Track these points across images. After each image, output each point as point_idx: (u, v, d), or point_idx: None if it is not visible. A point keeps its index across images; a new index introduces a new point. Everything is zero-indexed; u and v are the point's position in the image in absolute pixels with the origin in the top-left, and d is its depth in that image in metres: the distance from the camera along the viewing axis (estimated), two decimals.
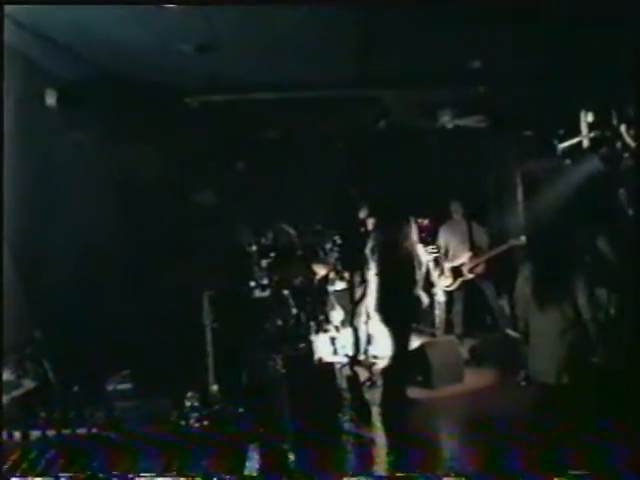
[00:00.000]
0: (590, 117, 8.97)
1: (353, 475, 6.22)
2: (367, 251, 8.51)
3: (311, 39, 7.29)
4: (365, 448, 7.45)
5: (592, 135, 8.84)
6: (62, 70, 7.61)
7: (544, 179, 9.62)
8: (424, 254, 9.50)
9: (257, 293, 9.82)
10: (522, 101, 9.74)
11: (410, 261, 8.55)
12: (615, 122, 8.20)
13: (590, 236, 7.45)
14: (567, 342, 7.61)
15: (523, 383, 8.58)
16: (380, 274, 8.40)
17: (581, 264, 7.65)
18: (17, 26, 6.14)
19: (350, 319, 10.13)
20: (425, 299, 9.02)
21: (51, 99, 7.19)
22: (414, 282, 8.67)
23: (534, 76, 8.68)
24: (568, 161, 9.34)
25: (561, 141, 9.67)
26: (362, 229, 9.44)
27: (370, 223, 9.29)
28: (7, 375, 5.48)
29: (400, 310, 8.33)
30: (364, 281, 9.34)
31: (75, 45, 7.10)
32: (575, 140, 9.35)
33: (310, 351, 9.13)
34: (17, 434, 3.85)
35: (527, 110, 9.99)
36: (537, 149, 10.57)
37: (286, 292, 9.83)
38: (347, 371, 8.80)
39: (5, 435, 3.84)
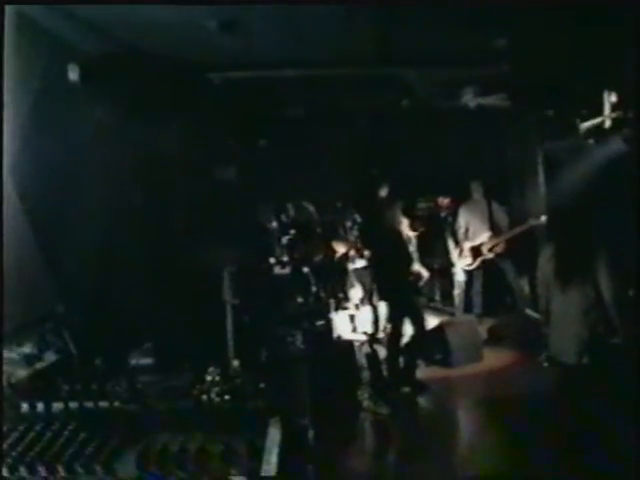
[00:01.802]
0: (613, 97, 8.89)
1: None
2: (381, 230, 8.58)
3: (333, 17, 7.26)
4: (383, 425, 7.50)
5: (614, 115, 8.76)
6: (85, 45, 7.62)
7: (566, 159, 9.56)
8: (408, 230, 9.47)
9: (277, 270, 9.86)
10: (545, 80, 9.68)
11: (402, 239, 8.64)
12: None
13: (611, 217, 7.41)
14: (588, 322, 7.60)
15: (545, 364, 8.57)
16: (377, 255, 8.49)
17: (602, 245, 7.62)
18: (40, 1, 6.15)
19: (369, 297, 10.14)
20: (425, 273, 9.09)
21: (74, 74, 7.19)
22: (410, 259, 8.76)
23: (558, 55, 8.62)
24: (590, 141, 9.27)
25: (583, 121, 9.59)
26: (382, 207, 9.41)
27: (390, 201, 9.28)
28: (29, 348, 5.53)
29: (400, 289, 8.42)
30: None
31: (98, 20, 7.10)
32: (598, 120, 9.27)
33: (329, 328, 9.17)
34: (40, 405, 3.88)
35: (550, 89, 9.92)
36: (559, 129, 10.50)
37: (306, 269, 9.86)
38: (366, 348, 8.83)
39: (27, 406, 3.88)
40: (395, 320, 8.63)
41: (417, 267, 9.14)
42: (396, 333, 8.61)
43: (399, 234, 8.77)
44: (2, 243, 4.57)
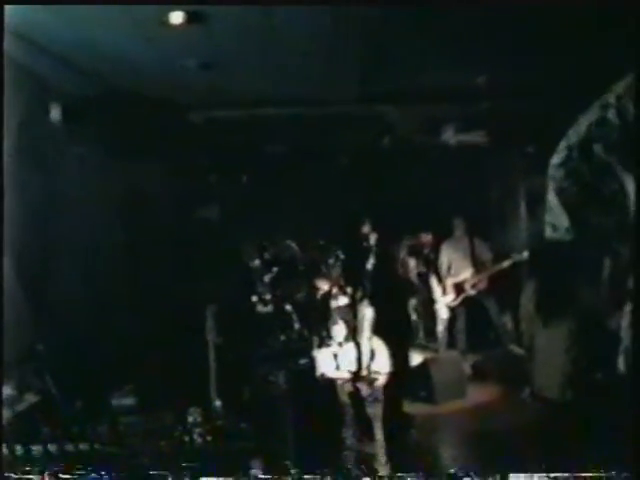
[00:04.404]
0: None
1: None
2: (368, 266, 8.53)
3: (315, 55, 7.32)
4: (367, 464, 7.44)
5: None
6: (66, 85, 7.64)
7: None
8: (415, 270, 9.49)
9: (260, 308, 9.83)
10: (525, 117, 9.76)
11: (405, 278, 8.61)
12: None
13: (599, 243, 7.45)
14: (572, 358, 7.60)
15: (528, 399, 8.54)
16: (373, 292, 8.44)
17: (585, 279, 7.64)
18: (21, 40, 6.17)
19: (352, 335, 10.10)
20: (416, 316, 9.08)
21: (55, 114, 7.21)
22: (407, 299, 8.73)
23: (536, 92, 8.70)
24: None
25: None
26: (365, 244, 9.41)
27: (372, 238, 9.28)
28: (9, 389, 5.47)
29: (395, 327, 8.36)
30: (365, 297, 9.34)
31: (79, 60, 7.13)
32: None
33: (312, 367, 9.11)
34: (19, 449, 3.83)
35: (529, 126, 10.00)
36: (539, 165, 10.57)
37: (289, 307, 9.83)
38: (349, 387, 8.77)
39: (5, 449, 3.82)
40: (399, 358, 8.51)
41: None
42: (400, 374, 8.49)
43: (396, 272, 8.73)
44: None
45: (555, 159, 5.23)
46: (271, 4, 5.80)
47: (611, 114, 4.78)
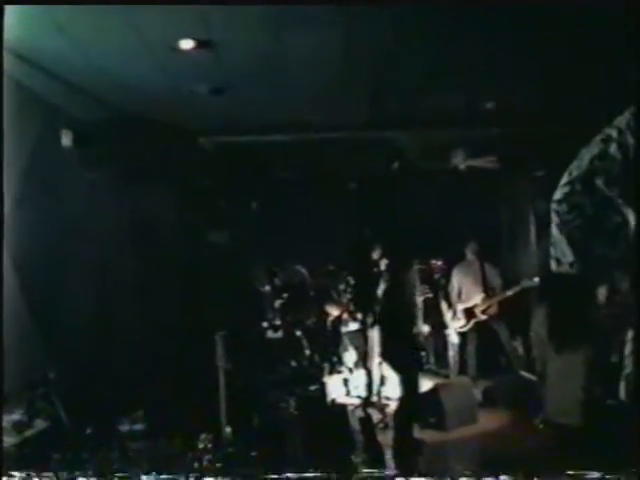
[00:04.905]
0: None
1: None
2: (379, 292, 8.50)
3: (324, 80, 7.33)
4: None
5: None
6: (77, 111, 7.68)
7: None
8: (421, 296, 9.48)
9: (270, 334, 9.82)
10: (534, 142, 9.76)
11: (413, 304, 8.58)
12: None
13: (603, 275, 7.42)
14: (584, 383, 7.55)
15: (541, 425, 8.46)
16: (384, 317, 8.41)
17: (596, 304, 7.61)
18: (32, 67, 6.20)
19: (363, 360, 10.08)
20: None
21: (67, 139, 7.24)
22: (415, 325, 8.70)
23: (546, 116, 8.71)
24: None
25: None
26: (375, 270, 9.41)
27: (383, 264, 9.27)
28: (19, 415, 5.46)
29: (403, 354, 8.30)
30: (376, 322, 9.31)
31: (90, 86, 7.16)
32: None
33: (323, 393, 9.08)
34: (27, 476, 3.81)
35: (539, 150, 10.00)
36: (550, 190, 10.55)
37: (299, 333, 9.82)
38: (360, 413, 8.74)
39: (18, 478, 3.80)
40: (408, 388, 8.42)
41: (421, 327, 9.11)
42: (408, 400, 8.41)
43: (404, 295, 8.68)
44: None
45: (558, 194, 5.24)
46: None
47: (613, 148, 4.78)
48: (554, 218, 5.12)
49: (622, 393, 5.37)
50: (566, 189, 5.10)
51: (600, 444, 6.80)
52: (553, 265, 5.14)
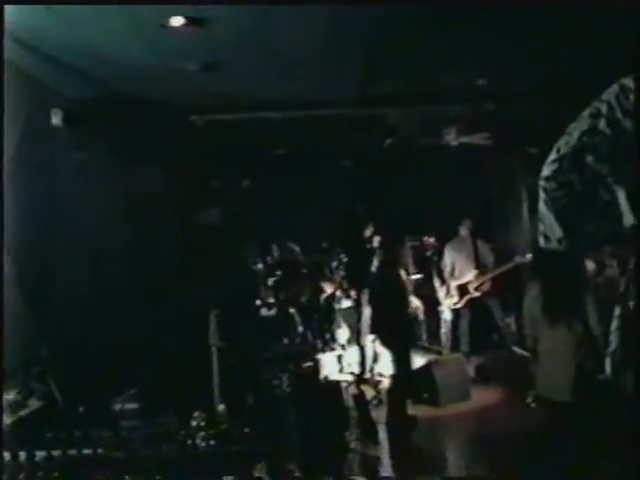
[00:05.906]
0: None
1: None
2: (372, 269, 8.51)
3: (316, 57, 7.30)
4: (372, 467, 7.41)
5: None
6: (68, 89, 7.63)
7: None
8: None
9: (263, 312, 9.82)
10: (527, 118, 9.74)
11: (402, 281, 8.58)
12: None
13: (597, 253, 7.42)
14: (577, 360, 7.57)
15: (532, 403, 8.49)
16: (374, 294, 8.43)
17: (590, 281, 7.62)
18: (22, 46, 6.15)
19: (356, 337, 10.09)
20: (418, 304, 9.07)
21: (57, 118, 7.19)
22: (407, 301, 8.72)
23: (539, 92, 8.69)
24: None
25: None
26: (368, 247, 9.40)
27: (376, 241, 9.26)
28: (13, 395, 5.46)
29: (398, 329, 8.33)
30: (369, 299, 9.32)
31: (80, 65, 7.11)
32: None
33: (316, 370, 9.09)
34: (22, 454, 3.81)
35: (532, 127, 9.98)
36: (542, 166, 10.54)
37: (292, 310, 9.82)
38: (353, 389, 8.75)
39: (9, 455, 3.80)
40: (401, 361, 8.44)
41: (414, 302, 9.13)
42: (403, 376, 8.43)
43: (396, 272, 8.68)
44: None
45: (545, 171, 5.21)
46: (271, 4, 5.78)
47: (602, 124, 4.76)
48: (542, 195, 5.10)
49: (607, 370, 5.38)
50: (554, 166, 5.06)
51: (591, 420, 6.84)
52: (541, 241, 5.12)
